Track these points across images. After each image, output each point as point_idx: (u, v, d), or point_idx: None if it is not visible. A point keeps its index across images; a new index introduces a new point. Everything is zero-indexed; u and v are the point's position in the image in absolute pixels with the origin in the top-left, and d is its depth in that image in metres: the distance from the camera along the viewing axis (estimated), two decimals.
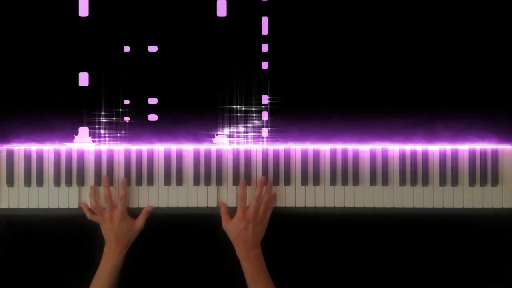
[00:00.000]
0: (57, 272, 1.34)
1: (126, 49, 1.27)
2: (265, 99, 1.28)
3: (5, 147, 1.28)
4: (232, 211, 1.27)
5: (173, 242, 1.35)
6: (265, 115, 1.28)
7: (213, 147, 1.28)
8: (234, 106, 1.27)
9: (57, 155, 1.28)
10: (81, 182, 1.27)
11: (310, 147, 1.29)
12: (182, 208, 1.29)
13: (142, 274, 1.35)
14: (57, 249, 1.35)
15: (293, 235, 1.35)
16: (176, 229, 1.34)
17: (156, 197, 1.28)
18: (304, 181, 1.28)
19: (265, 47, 1.27)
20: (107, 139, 1.27)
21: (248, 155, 1.28)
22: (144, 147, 1.28)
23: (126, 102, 1.27)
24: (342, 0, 1.28)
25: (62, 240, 1.34)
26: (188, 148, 1.29)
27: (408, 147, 1.29)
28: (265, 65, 1.28)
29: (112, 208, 1.25)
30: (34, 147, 1.28)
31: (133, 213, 1.27)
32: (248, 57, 1.27)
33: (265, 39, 1.27)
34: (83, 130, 1.27)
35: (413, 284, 1.35)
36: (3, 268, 1.34)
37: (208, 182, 1.28)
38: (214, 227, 1.29)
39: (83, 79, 1.27)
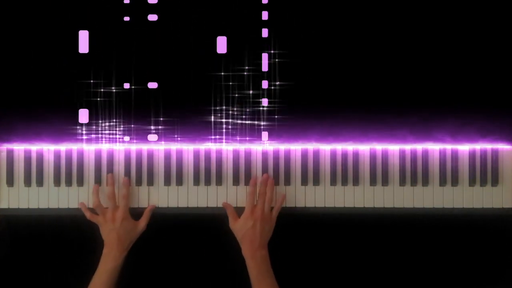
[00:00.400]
0: (57, 272, 1.34)
1: (126, 85, 1.27)
2: (264, 136, 1.29)
3: (5, 147, 1.28)
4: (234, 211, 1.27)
5: (172, 242, 1.35)
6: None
7: (213, 147, 1.29)
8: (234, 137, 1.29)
9: (57, 155, 1.28)
10: (81, 182, 1.28)
11: (310, 147, 1.29)
12: (182, 208, 1.29)
13: (141, 274, 1.35)
14: (57, 249, 1.35)
15: (293, 235, 1.35)
16: (176, 229, 1.34)
17: (156, 197, 1.28)
18: (304, 181, 1.28)
19: (265, 84, 1.28)
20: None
21: (248, 155, 1.28)
22: (144, 147, 1.28)
23: (126, 139, 1.28)
24: (337, 33, 1.29)
25: (62, 240, 1.34)
26: (188, 148, 1.29)
27: (408, 147, 1.29)
28: (265, 102, 1.28)
29: (115, 208, 1.25)
30: (34, 147, 1.28)
31: (133, 213, 1.27)
32: (249, 93, 1.28)
33: (264, 74, 1.28)
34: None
35: (413, 284, 1.35)
36: (3, 268, 1.34)
37: (208, 182, 1.28)
38: (215, 227, 1.29)
39: (83, 116, 1.27)
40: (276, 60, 1.27)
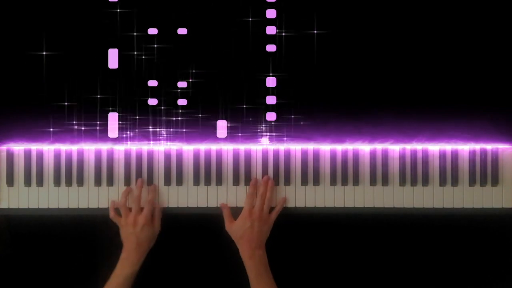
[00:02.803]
0: (57, 272, 1.34)
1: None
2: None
3: (5, 147, 1.28)
4: (233, 211, 1.27)
5: (172, 242, 1.35)
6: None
7: (213, 147, 1.29)
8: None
9: (57, 155, 1.28)
10: (81, 182, 1.28)
11: (310, 147, 1.29)
12: (182, 208, 1.28)
13: (140, 274, 1.35)
14: (57, 249, 1.35)
15: (293, 235, 1.35)
16: (176, 229, 1.34)
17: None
18: (304, 181, 1.28)
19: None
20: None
21: (248, 155, 1.28)
22: (144, 147, 1.28)
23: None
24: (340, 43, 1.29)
25: (62, 240, 1.34)
26: (188, 148, 1.29)
27: (408, 147, 1.29)
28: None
29: (138, 211, 1.24)
30: (34, 147, 1.28)
31: None
32: (254, 110, 1.29)
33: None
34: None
35: (413, 284, 1.35)
36: (3, 268, 1.34)
37: (208, 182, 1.28)
38: (215, 227, 1.29)
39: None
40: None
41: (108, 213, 1.25)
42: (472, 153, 1.29)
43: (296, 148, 1.29)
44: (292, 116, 1.28)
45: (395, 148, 1.29)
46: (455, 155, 1.28)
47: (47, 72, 1.28)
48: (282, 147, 1.29)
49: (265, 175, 1.27)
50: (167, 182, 1.28)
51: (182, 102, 1.28)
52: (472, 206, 1.28)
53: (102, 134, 1.28)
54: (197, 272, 1.35)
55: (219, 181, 1.28)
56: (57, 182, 1.28)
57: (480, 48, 1.30)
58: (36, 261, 1.35)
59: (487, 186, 1.28)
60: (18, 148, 1.28)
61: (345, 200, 1.29)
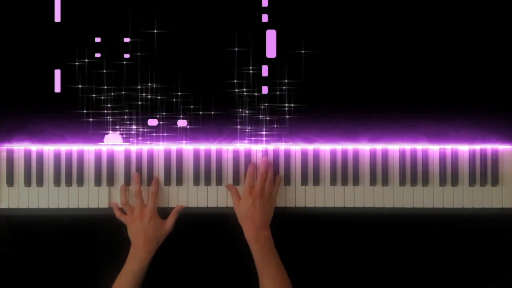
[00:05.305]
0: (57, 272, 1.34)
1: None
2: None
3: (5, 147, 1.28)
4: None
5: (172, 242, 1.34)
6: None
7: (213, 147, 1.29)
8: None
9: (57, 155, 1.28)
10: (81, 182, 1.28)
11: (310, 147, 1.29)
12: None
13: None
14: (57, 249, 1.35)
15: (293, 235, 1.35)
16: (176, 229, 1.34)
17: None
18: (304, 181, 1.28)
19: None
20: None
21: (248, 155, 1.28)
22: (144, 147, 1.28)
23: None
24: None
25: (62, 240, 1.34)
26: (188, 148, 1.29)
27: (408, 147, 1.29)
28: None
29: (143, 205, 1.24)
30: (34, 147, 1.28)
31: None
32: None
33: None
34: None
35: (413, 284, 1.35)
36: (3, 267, 1.34)
37: (208, 182, 1.28)
38: (215, 227, 1.29)
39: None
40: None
41: (109, 214, 1.25)
42: (472, 153, 1.29)
43: (296, 148, 1.29)
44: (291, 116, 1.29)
45: (395, 148, 1.29)
46: (455, 155, 1.28)
47: (48, 72, 1.28)
48: (282, 147, 1.29)
49: (264, 157, 1.27)
50: (167, 182, 1.28)
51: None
52: (472, 206, 1.28)
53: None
54: (197, 272, 1.35)
55: (219, 181, 1.28)
56: (57, 182, 1.28)
57: (480, 48, 1.30)
58: (36, 261, 1.35)
59: (487, 186, 1.29)
60: (18, 148, 1.28)
61: (345, 200, 1.29)
